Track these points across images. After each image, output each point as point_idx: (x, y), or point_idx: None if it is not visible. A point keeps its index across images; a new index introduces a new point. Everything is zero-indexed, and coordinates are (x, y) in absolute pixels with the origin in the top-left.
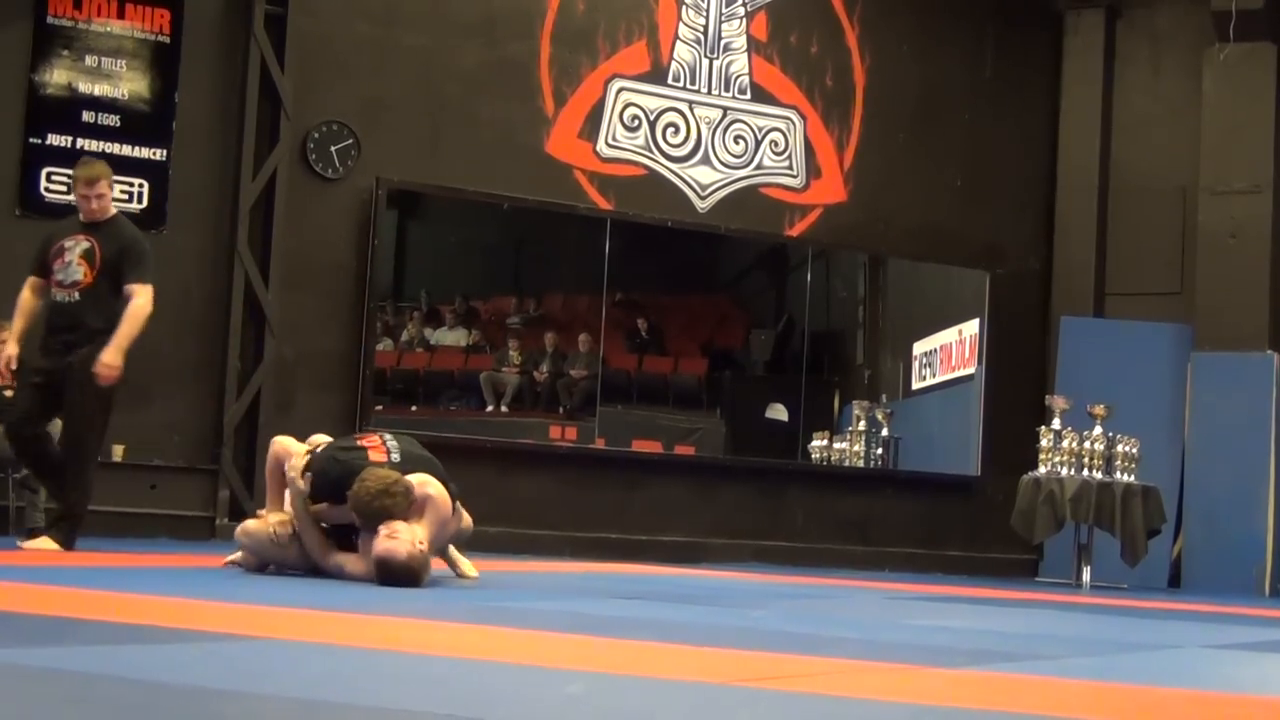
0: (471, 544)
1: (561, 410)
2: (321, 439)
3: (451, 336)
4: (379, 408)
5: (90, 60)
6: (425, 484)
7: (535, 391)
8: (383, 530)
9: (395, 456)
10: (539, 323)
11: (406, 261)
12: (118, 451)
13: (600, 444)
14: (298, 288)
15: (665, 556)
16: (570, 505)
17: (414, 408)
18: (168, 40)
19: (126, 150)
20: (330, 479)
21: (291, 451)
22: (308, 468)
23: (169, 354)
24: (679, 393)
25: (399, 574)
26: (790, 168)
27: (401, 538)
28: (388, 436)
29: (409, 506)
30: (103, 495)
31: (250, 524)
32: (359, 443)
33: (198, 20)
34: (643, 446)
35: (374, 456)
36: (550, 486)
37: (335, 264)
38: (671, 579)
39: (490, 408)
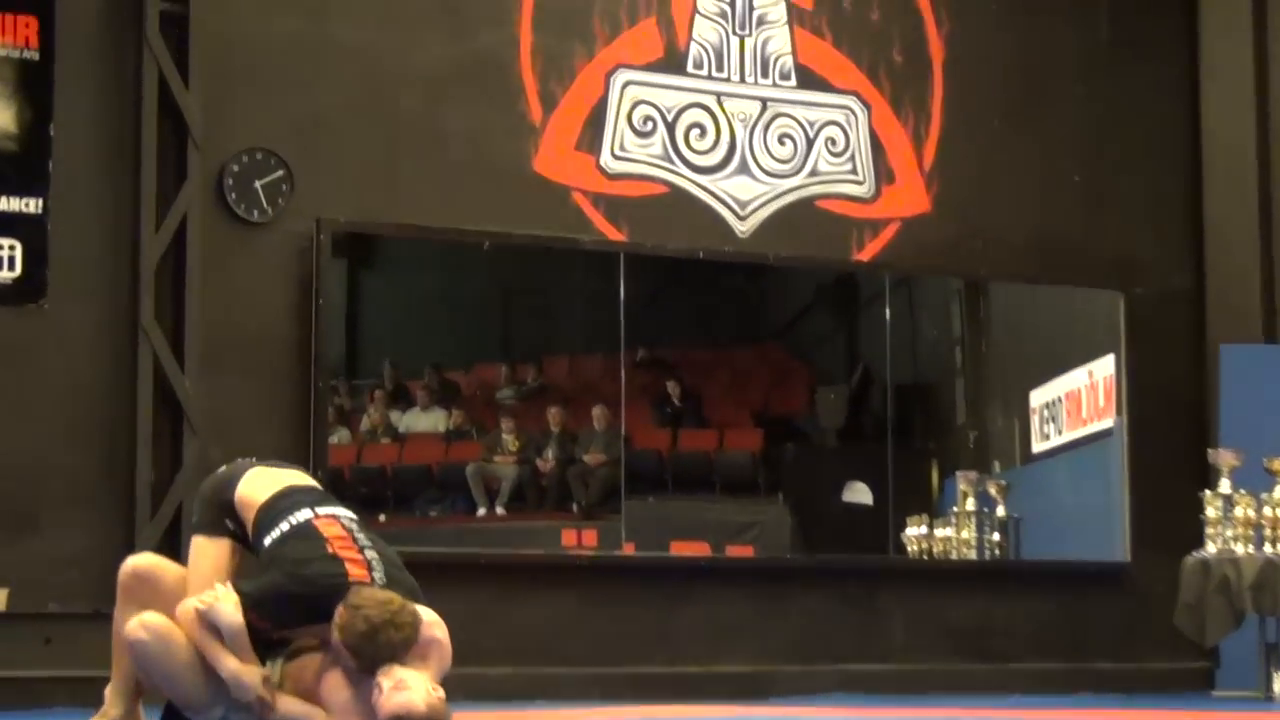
0: (468, 690)
1: (576, 508)
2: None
3: (426, 420)
4: None
5: None
6: (432, 624)
7: (540, 486)
8: (385, 681)
9: (378, 576)
10: (539, 395)
11: (361, 326)
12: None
13: (629, 550)
14: (223, 369)
15: (725, 692)
16: (595, 633)
17: (382, 516)
18: (36, 57)
19: None
20: (300, 600)
21: (200, 589)
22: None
23: (59, 466)
24: (728, 476)
25: None
26: (854, 172)
27: (414, 686)
28: (356, 531)
29: (412, 646)
30: None
31: None
32: (330, 547)
33: (74, 28)
34: (685, 550)
35: (354, 573)
36: (567, 609)
37: (269, 335)
38: None
39: (483, 510)
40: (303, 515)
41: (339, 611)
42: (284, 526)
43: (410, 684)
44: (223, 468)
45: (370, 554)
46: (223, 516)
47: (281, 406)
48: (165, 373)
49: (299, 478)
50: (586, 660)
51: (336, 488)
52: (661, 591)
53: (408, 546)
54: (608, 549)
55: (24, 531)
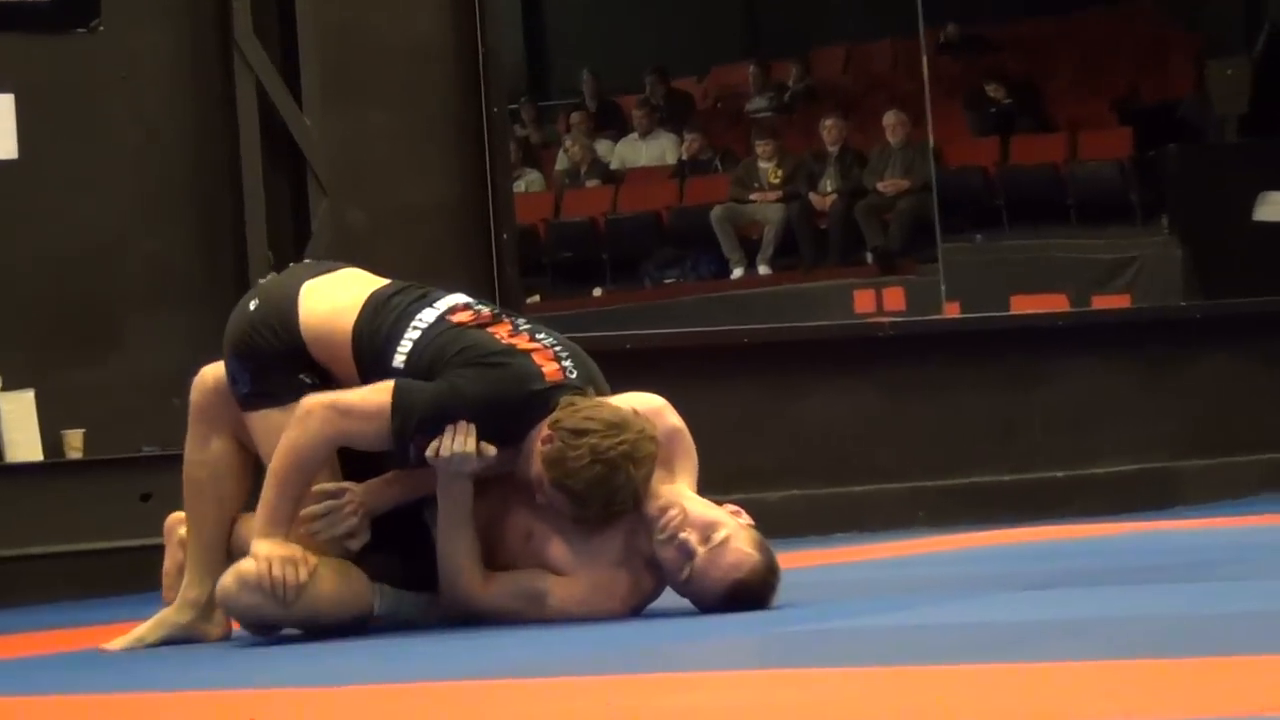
0: None
1: (871, 259)
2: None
3: (649, 150)
4: (534, 298)
5: None
6: (660, 411)
7: (817, 230)
8: (686, 535)
9: (569, 366)
10: (806, 104)
11: (546, 25)
12: (72, 441)
13: (951, 311)
14: (355, 99)
15: (1101, 504)
16: (911, 432)
17: (597, 291)
18: None
19: None
20: (492, 413)
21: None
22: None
23: (141, 252)
24: (1087, 197)
25: (761, 592)
26: None
27: (733, 530)
28: (508, 315)
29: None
30: (54, 526)
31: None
32: (500, 336)
33: None
34: (1032, 306)
35: (548, 368)
36: (869, 402)
37: (417, 46)
38: (1119, 541)
39: (739, 271)
40: (428, 315)
41: (545, 435)
42: (413, 335)
43: (724, 526)
44: (250, 302)
45: (545, 338)
46: (295, 370)
47: (443, 145)
48: (275, 109)
49: (372, 277)
50: (901, 472)
51: (529, 253)
52: (1002, 368)
53: (637, 329)
54: (920, 313)
55: (99, 345)
